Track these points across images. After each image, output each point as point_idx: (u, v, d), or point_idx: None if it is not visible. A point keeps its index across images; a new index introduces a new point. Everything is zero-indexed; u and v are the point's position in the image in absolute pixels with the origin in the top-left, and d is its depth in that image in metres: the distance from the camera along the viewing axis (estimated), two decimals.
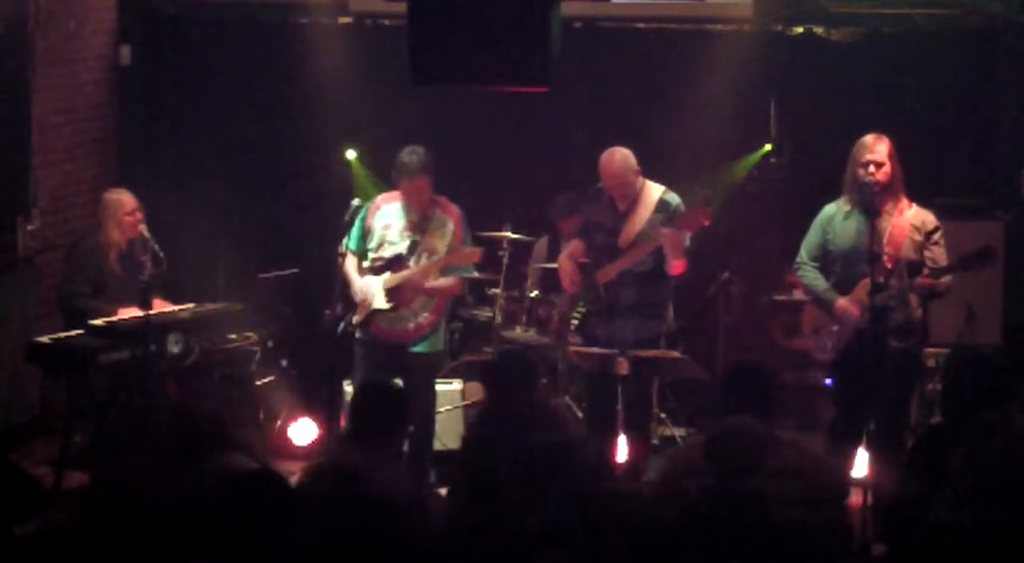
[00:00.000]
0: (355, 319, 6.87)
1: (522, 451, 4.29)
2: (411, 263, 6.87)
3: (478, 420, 5.36)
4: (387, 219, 6.92)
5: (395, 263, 6.87)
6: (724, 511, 4.06)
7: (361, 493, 4.04)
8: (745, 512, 4.06)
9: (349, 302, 6.94)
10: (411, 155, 6.81)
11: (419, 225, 6.90)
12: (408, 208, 6.90)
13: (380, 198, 7.06)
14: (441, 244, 6.90)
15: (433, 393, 7.14)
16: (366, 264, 6.94)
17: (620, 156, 6.74)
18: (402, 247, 6.88)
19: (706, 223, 6.61)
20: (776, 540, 4.02)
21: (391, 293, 6.83)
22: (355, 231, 6.93)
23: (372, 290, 6.85)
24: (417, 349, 6.94)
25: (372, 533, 3.92)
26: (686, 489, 4.32)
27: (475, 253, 6.95)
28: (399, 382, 6.72)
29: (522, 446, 4.31)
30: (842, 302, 6.31)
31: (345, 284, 6.90)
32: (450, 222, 6.94)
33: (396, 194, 6.98)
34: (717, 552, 4.00)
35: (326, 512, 4.03)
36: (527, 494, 4.19)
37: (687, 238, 6.66)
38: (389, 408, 4.71)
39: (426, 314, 6.92)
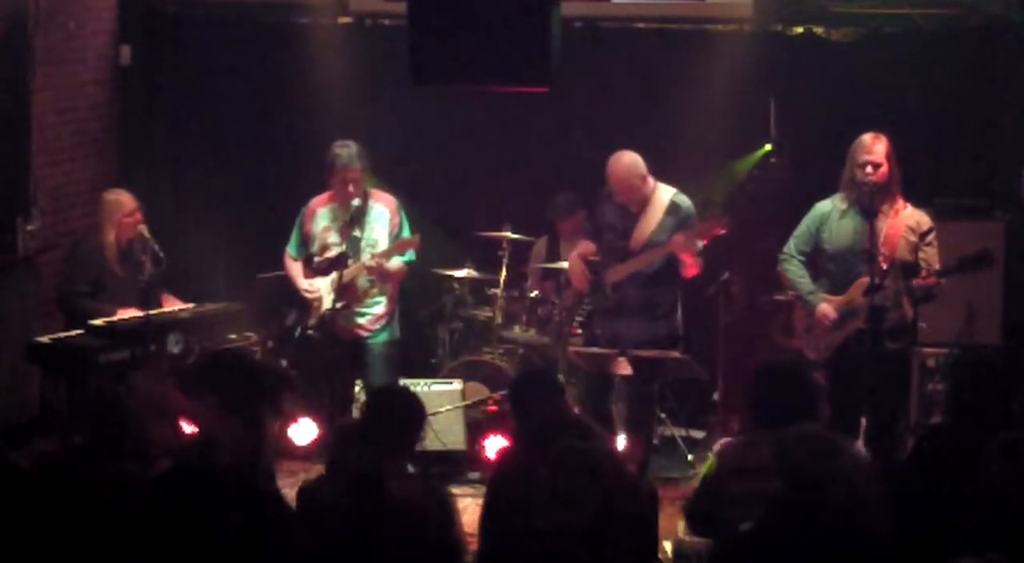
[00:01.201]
0: (311, 322, 7.02)
1: (563, 457, 4.27)
2: (353, 261, 6.96)
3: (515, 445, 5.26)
4: (324, 221, 7.06)
5: (339, 262, 6.96)
6: (799, 522, 4.02)
7: (384, 500, 4.01)
8: (822, 522, 4.01)
9: (303, 306, 7.07)
10: (343, 147, 6.95)
11: (356, 220, 6.99)
12: (342, 207, 6.99)
13: (313, 202, 7.17)
14: (382, 235, 7.01)
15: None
16: (311, 267, 7.11)
17: (628, 160, 6.74)
18: (344, 246, 6.96)
19: (722, 232, 6.67)
20: (854, 547, 3.97)
21: (340, 292, 6.89)
22: (294, 237, 7.17)
23: (321, 292, 6.97)
24: (376, 341, 7.08)
25: (395, 539, 3.90)
26: (729, 491, 4.28)
27: (414, 241, 7.03)
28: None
29: (564, 452, 4.29)
30: (823, 307, 6.32)
31: (294, 288, 7.13)
32: (387, 211, 7.05)
33: (328, 196, 7.10)
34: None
35: (343, 518, 4.00)
36: (571, 500, 4.17)
37: (699, 244, 6.69)
38: (406, 413, 4.66)
39: (380, 306, 7.06)
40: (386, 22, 8.71)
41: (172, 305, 7.32)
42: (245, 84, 8.90)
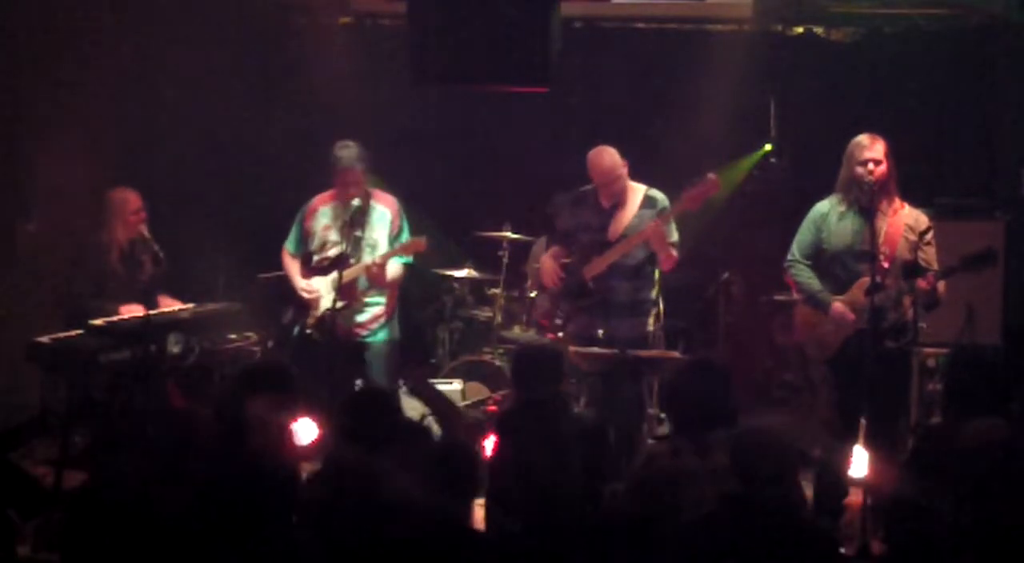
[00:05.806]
0: (310, 321, 7.05)
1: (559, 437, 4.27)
2: (354, 260, 6.98)
3: (508, 414, 5.40)
4: (325, 219, 7.09)
5: (339, 262, 6.97)
6: (749, 519, 4.02)
7: (374, 495, 4.01)
8: (770, 519, 4.02)
9: (300, 305, 7.07)
10: (344, 148, 6.99)
11: (358, 220, 7.02)
12: (344, 206, 7.02)
13: (315, 200, 7.21)
14: (382, 235, 7.04)
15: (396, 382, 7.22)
16: (309, 266, 7.13)
17: (608, 154, 6.80)
18: (344, 245, 6.99)
19: (715, 191, 6.69)
20: (798, 544, 3.99)
21: (341, 291, 6.91)
22: (293, 234, 7.20)
23: (320, 292, 7.01)
24: (375, 340, 7.12)
25: (387, 535, 3.89)
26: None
27: (420, 243, 7.03)
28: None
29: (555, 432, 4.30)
30: (838, 305, 6.30)
31: (291, 286, 7.16)
32: (388, 212, 7.09)
33: (330, 194, 7.13)
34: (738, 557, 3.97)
35: (335, 514, 3.99)
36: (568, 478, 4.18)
37: (673, 231, 6.70)
38: (386, 412, 4.70)
39: (379, 306, 7.10)
40: (386, 22, 8.72)
41: (170, 305, 7.31)
42: (245, 83, 8.90)
